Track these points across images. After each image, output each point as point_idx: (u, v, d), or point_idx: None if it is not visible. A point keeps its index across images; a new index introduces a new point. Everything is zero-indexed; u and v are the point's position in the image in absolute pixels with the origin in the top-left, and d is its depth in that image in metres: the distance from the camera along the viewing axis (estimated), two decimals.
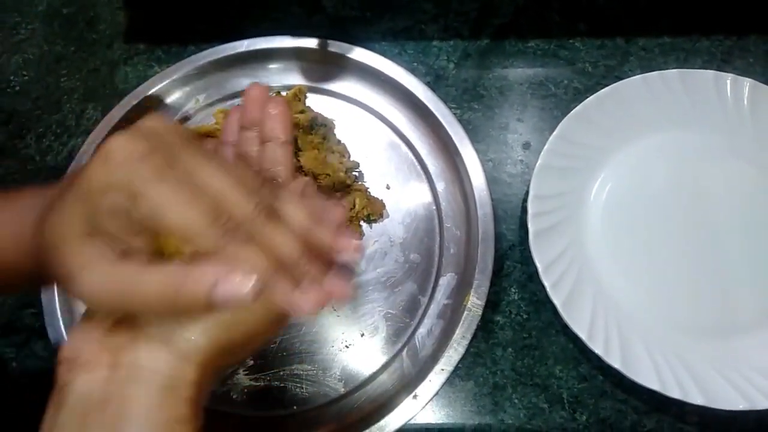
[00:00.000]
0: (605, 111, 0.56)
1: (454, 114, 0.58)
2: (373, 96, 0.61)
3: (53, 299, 0.54)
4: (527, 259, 0.54)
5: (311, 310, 0.28)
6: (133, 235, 0.27)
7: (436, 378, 0.50)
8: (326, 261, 0.31)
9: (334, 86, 0.61)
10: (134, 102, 0.59)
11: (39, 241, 0.29)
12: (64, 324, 0.53)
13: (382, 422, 0.49)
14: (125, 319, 0.29)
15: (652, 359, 0.49)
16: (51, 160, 0.61)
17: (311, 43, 0.60)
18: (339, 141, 0.59)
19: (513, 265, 0.56)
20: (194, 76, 0.61)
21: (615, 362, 0.48)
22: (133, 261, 0.27)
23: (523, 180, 0.58)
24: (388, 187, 0.58)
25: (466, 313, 0.52)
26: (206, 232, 0.26)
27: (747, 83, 0.55)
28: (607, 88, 0.56)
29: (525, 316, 0.54)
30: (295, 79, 0.62)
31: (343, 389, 0.53)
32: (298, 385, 0.53)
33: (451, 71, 0.62)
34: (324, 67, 0.61)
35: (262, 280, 0.27)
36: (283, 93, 0.59)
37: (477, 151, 0.56)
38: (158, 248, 0.29)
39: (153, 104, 0.61)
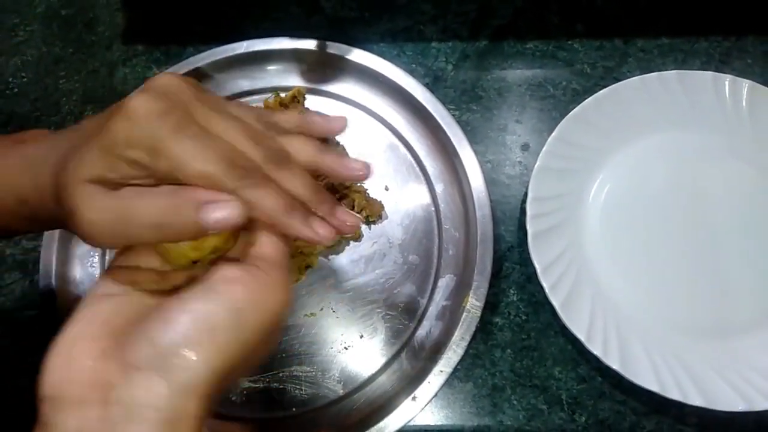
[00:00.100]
0: (604, 112, 0.56)
1: (453, 115, 0.58)
2: (372, 97, 0.61)
3: (52, 300, 0.54)
4: (526, 261, 0.54)
5: (327, 237, 0.31)
6: (145, 179, 0.29)
7: (435, 379, 0.50)
8: (333, 200, 0.34)
9: (333, 88, 0.61)
10: None
11: (57, 180, 0.30)
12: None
13: (381, 424, 0.49)
14: (111, 348, 0.27)
15: (651, 360, 0.49)
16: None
17: (310, 44, 0.60)
18: (338, 143, 0.58)
19: (512, 266, 0.56)
20: (193, 77, 0.61)
21: (614, 363, 0.48)
22: (129, 188, 0.28)
23: (522, 181, 0.58)
24: (386, 189, 0.58)
25: (465, 314, 0.52)
26: (225, 178, 0.28)
27: (745, 84, 0.55)
28: (605, 90, 0.56)
29: (524, 318, 0.54)
30: (294, 80, 0.62)
31: (342, 391, 0.53)
32: (297, 386, 0.53)
33: (449, 72, 0.62)
34: (323, 69, 0.61)
35: (272, 215, 0.30)
36: (282, 94, 0.59)
37: (476, 152, 0.56)
38: (165, 259, 0.30)
39: None
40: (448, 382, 0.51)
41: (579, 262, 0.53)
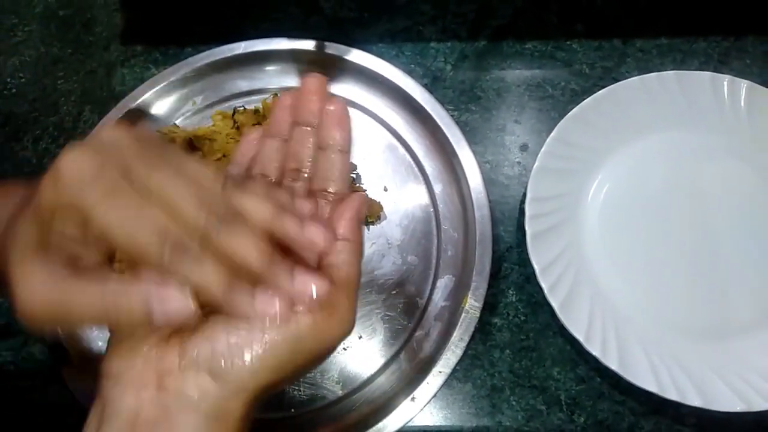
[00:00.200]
0: (602, 112, 0.56)
1: (452, 116, 0.58)
2: (371, 98, 0.61)
3: None
4: (525, 261, 0.54)
5: (277, 315, 0.27)
6: (86, 249, 0.27)
7: (434, 380, 0.50)
8: (291, 265, 0.29)
9: (332, 88, 0.61)
10: (131, 104, 0.59)
11: (2, 249, 0.28)
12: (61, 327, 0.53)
13: (380, 425, 0.49)
14: (171, 340, 0.28)
15: (650, 361, 0.49)
16: (47, 163, 0.60)
17: (308, 45, 0.60)
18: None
19: (510, 267, 0.56)
20: (192, 78, 0.61)
21: (612, 364, 0.48)
22: (75, 277, 0.26)
23: (521, 182, 0.58)
24: (385, 189, 0.58)
25: (463, 315, 0.52)
26: (156, 252, 0.25)
27: (744, 85, 0.55)
28: (604, 90, 0.56)
29: (522, 318, 0.54)
30: (293, 81, 0.62)
31: (340, 391, 0.53)
32: (296, 387, 0.53)
33: (448, 73, 0.62)
34: (321, 70, 0.61)
35: (211, 294, 0.26)
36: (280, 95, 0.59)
37: (474, 152, 0.56)
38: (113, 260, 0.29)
39: (149, 107, 0.61)
40: (447, 383, 0.51)
41: (578, 262, 0.53)
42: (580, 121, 0.55)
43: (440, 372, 0.50)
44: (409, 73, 0.60)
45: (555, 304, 0.50)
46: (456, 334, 0.51)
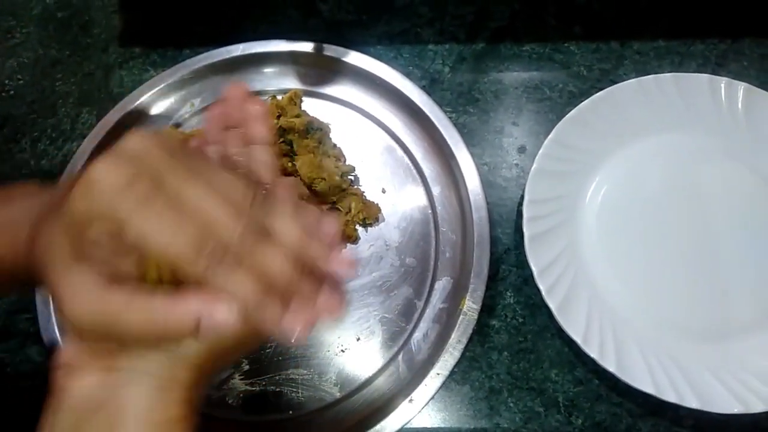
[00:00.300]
0: (600, 114, 0.56)
1: (450, 118, 0.58)
2: (369, 100, 0.61)
3: (48, 304, 0.54)
4: (523, 263, 0.54)
5: (302, 332, 0.28)
6: (121, 258, 0.27)
7: (431, 382, 0.50)
8: (318, 276, 0.30)
9: (330, 90, 0.61)
10: (129, 106, 0.59)
11: (34, 255, 0.29)
12: (58, 329, 0.53)
13: (378, 426, 0.49)
14: None
15: (647, 363, 0.49)
16: (46, 165, 0.61)
17: (307, 47, 0.60)
18: (334, 145, 0.59)
19: (508, 268, 0.56)
20: (190, 80, 0.61)
21: (610, 366, 0.49)
22: (119, 290, 0.27)
23: (519, 184, 0.58)
24: (383, 191, 0.58)
25: (461, 317, 0.52)
26: (193, 261, 0.26)
27: (741, 87, 0.56)
28: (602, 92, 0.56)
29: (520, 320, 0.54)
30: (291, 83, 0.62)
31: (338, 393, 0.53)
32: (294, 389, 0.53)
33: (446, 75, 0.62)
34: (319, 71, 0.61)
35: (247, 307, 0.27)
36: (279, 97, 0.59)
37: (472, 154, 0.56)
38: (147, 272, 0.29)
39: (147, 108, 0.61)
40: (445, 385, 0.51)
41: (576, 264, 0.53)
42: (578, 123, 0.55)
43: (438, 374, 0.50)
44: (407, 75, 0.60)
45: (553, 305, 0.50)
46: (454, 336, 0.51)
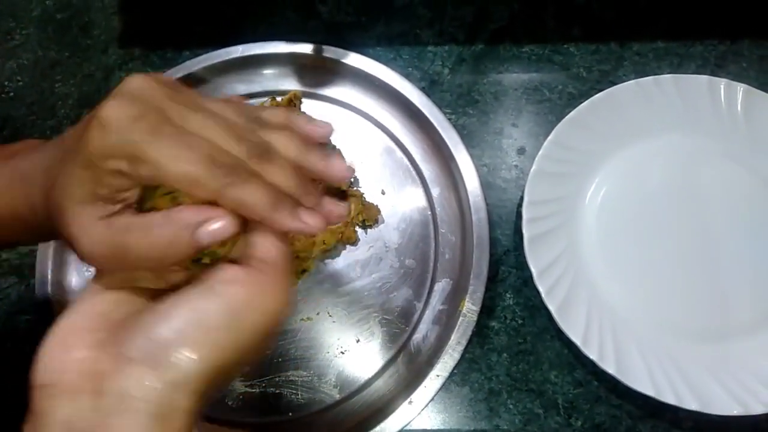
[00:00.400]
0: (599, 116, 0.56)
1: (449, 119, 0.58)
2: (368, 101, 0.61)
3: (48, 305, 0.54)
4: (522, 265, 0.54)
5: (316, 227, 0.31)
6: (131, 189, 0.28)
7: (431, 384, 0.50)
8: (319, 187, 0.33)
9: (329, 91, 0.61)
10: None
11: (50, 201, 0.30)
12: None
13: (377, 428, 0.49)
14: (106, 339, 0.27)
15: (647, 364, 0.49)
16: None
17: (306, 48, 0.60)
18: (334, 146, 0.58)
19: (508, 270, 0.56)
20: (189, 81, 0.61)
21: (609, 368, 0.49)
22: (122, 217, 0.28)
23: (518, 185, 0.58)
24: (383, 193, 0.58)
25: (461, 318, 0.52)
26: (208, 178, 0.27)
27: (740, 88, 0.56)
28: (601, 93, 0.56)
29: (520, 322, 0.54)
30: (291, 84, 0.62)
31: (338, 395, 0.53)
32: (294, 391, 0.53)
33: (446, 76, 0.62)
34: (319, 73, 0.61)
35: (259, 212, 0.29)
36: (278, 98, 0.59)
37: (472, 156, 0.56)
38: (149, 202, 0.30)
39: None
40: (444, 386, 0.51)
41: (575, 265, 0.53)
42: (578, 125, 0.55)
43: (438, 375, 0.50)
44: (407, 76, 0.60)
45: (552, 307, 0.50)
46: (453, 338, 0.51)
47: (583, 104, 0.56)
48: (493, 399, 0.52)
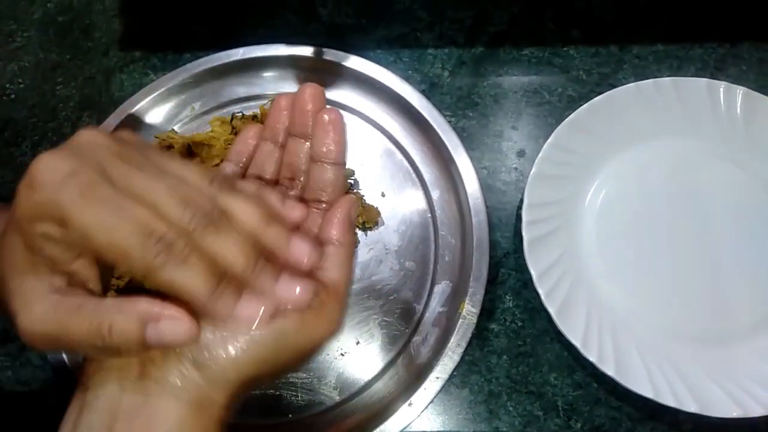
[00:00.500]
0: (599, 119, 0.56)
1: (449, 122, 0.58)
2: (368, 104, 0.61)
3: None
4: (522, 267, 0.54)
5: (261, 321, 0.27)
6: (75, 259, 0.26)
7: (431, 386, 0.50)
8: (280, 263, 0.29)
9: (330, 94, 0.62)
10: (130, 110, 0.59)
11: None
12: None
13: (377, 430, 0.49)
14: None
15: (646, 367, 0.49)
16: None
17: (307, 51, 0.60)
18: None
19: (508, 272, 0.56)
20: (190, 84, 0.61)
21: (609, 370, 0.49)
22: (71, 296, 0.26)
23: (518, 188, 0.58)
24: (383, 195, 0.58)
25: (461, 320, 0.52)
26: (139, 252, 0.25)
27: (740, 91, 0.56)
28: (601, 96, 0.56)
29: (520, 324, 0.54)
30: (291, 87, 0.62)
31: (338, 397, 0.53)
32: (293, 393, 0.53)
33: (445, 79, 0.62)
34: (319, 75, 0.61)
35: (196, 299, 0.26)
36: None
37: (472, 158, 0.56)
38: (105, 275, 0.28)
39: (148, 112, 0.61)
40: (444, 389, 0.51)
41: (575, 268, 0.53)
42: (577, 128, 0.55)
43: (437, 377, 0.50)
44: (407, 79, 0.60)
45: (552, 309, 0.50)
46: (453, 340, 0.51)
47: (582, 107, 0.56)
48: (492, 401, 0.52)
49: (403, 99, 0.59)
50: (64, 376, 0.51)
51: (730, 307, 0.52)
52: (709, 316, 0.52)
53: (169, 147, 0.57)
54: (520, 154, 0.60)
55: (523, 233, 0.52)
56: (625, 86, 0.56)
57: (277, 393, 0.53)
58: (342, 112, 0.61)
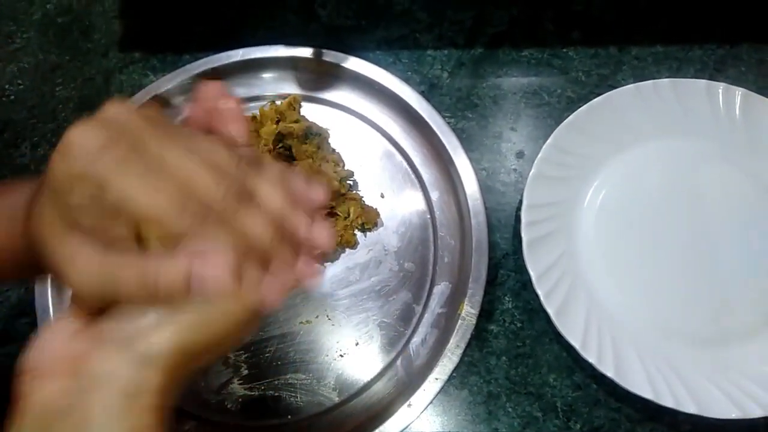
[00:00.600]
0: (598, 120, 0.56)
1: (448, 123, 0.58)
2: (368, 105, 0.61)
3: (47, 308, 0.54)
4: (521, 268, 0.54)
5: (277, 296, 0.28)
6: (112, 221, 0.27)
7: (430, 387, 0.50)
8: (298, 243, 0.30)
9: (329, 95, 0.62)
10: None
11: (29, 234, 0.29)
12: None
13: (376, 431, 0.49)
14: (87, 327, 0.28)
15: (645, 368, 0.49)
16: (46, 170, 0.61)
17: (306, 52, 0.60)
18: (333, 150, 0.59)
19: (507, 273, 0.56)
20: (189, 85, 0.61)
21: (608, 371, 0.49)
22: (113, 252, 0.27)
23: (517, 189, 0.58)
24: (382, 196, 0.58)
25: (460, 321, 0.52)
26: (174, 220, 0.26)
27: (739, 92, 0.56)
28: (600, 97, 0.56)
29: (519, 325, 0.54)
30: (290, 88, 0.62)
31: (337, 398, 0.53)
32: (293, 394, 0.53)
33: (445, 80, 0.62)
34: (319, 77, 0.61)
35: (235, 267, 0.27)
36: (278, 102, 0.60)
37: (471, 159, 0.56)
38: (140, 233, 0.28)
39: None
40: (443, 390, 0.51)
41: (574, 269, 0.53)
42: (576, 129, 0.56)
43: (437, 378, 0.50)
44: (406, 80, 0.60)
45: (551, 311, 0.50)
46: (452, 341, 0.51)
47: (582, 108, 0.56)
48: (492, 402, 0.52)
49: (403, 100, 0.59)
50: None
51: (729, 308, 0.52)
52: (708, 317, 0.52)
53: None
54: (520, 155, 0.60)
55: (523, 234, 0.52)
56: (624, 87, 0.56)
57: (277, 394, 0.53)
58: (341, 113, 0.62)
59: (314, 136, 0.57)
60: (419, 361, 0.53)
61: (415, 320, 0.55)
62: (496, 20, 0.64)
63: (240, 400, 0.53)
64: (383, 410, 0.51)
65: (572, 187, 0.56)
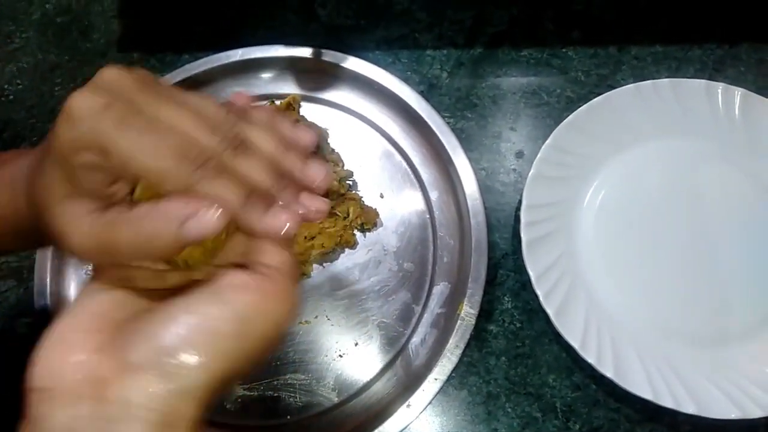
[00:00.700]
0: (598, 120, 0.56)
1: (448, 123, 0.58)
2: (367, 105, 0.61)
3: (47, 308, 0.54)
4: (520, 268, 0.54)
5: (285, 229, 0.29)
6: (113, 183, 0.28)
7: (429, 387, 0.50)
8: (298, 185, 0.31)
9: (328, 95, 0.62)
10: None
11: (31, 202, 0.29)
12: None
13: (375, 431, 0.49)
14: (106, 343, 0.27)
15: (645, 368, 0.49)
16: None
17: (305, 52, 0.60)
18: (333, 150, 0.59)
19: (506, 273, 0.56)
20: (189, 85, 0.61)
21: (608, 371, 0.49)
22: (109, 211, 0.27)
23: (516, 189, 0.58)
24: (381, 196, 0.58)
25: (459, 322, 0.52)
26: (176, 172, 0.26)
27: (738, 92, 0.56)
28: (599, 97, 0.56)
29: (518, 325, 0.54)
30: (289, 88, 0.62)
31: (336, 398, 0.53)
32: (292, 394, 0.53)
33: (444, 80, 0.62)
34: (318, 76, 0.61)
35: (230, 209, 0.27)
36: (277, 102, 0.60)
37: (470, 159, 0.56)
38: (140, 195, 0.29)
39: None
40: (442, 390, 0.51)
41: (573, 269, 0.53)
42: (576, 129, 0.55)
43: (436, 379, 0.50)
44: (405, 80, 0.60)
45: (550, 311, 0.50)
46: (452, 341, 0.51)
47: (581, 108, 0.56)
48: (491, 402, 0.52)
49: (402, 100, 0.59)
50: None
51: (728, 308, 0.52)
52: (707, 318, 0.52)
53: None
54: (519, 155, 0.60)
55: (522, 234, 0.52)
56: (623, 87, 0.56)
57: (276, 395, 0.53)
58: (340, 113, 0.62)
59: None
60: (418, 361, 0.53)
61: (414, 320, 0.55)
62: (496, 20, 0.64)
63: (239, 400, 0.53)
64: (382, 410, 0.51)
65: (572, 187, 0.56)
